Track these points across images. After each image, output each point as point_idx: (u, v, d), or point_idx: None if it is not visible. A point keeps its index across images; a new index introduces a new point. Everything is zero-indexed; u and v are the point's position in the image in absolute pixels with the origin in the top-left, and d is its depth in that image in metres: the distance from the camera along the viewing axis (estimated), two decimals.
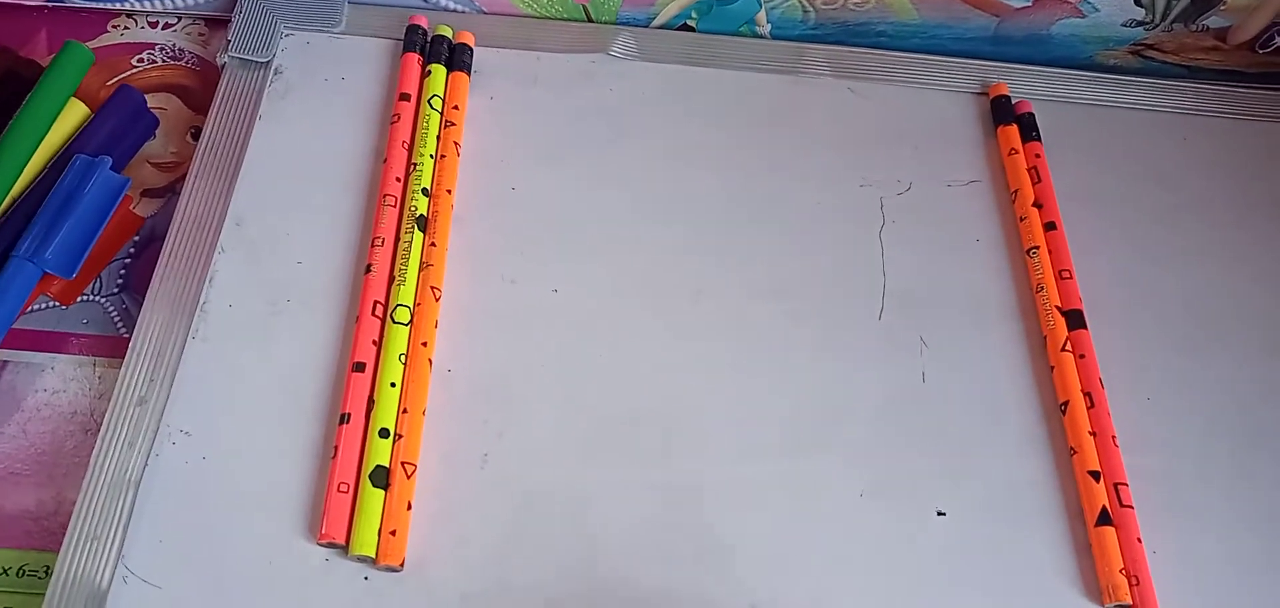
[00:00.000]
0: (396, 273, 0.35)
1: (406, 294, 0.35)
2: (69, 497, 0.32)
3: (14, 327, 0.35)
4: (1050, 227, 0.39)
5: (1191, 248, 0.40)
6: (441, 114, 0.39)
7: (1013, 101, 0.43)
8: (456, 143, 0.39)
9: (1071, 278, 0.38)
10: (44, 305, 0.36)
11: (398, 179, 0.37)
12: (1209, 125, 0.44)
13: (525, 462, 0.33)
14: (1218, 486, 0.35)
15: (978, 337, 0.37)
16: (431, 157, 0.38)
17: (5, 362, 0.35)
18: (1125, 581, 0.32)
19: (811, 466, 0.34)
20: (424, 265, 0.35)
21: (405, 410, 0.33)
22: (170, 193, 0.39)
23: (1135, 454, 0.35)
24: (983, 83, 0.44)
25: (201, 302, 0.34)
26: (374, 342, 0.34)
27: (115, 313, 0.36)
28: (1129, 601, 0.32)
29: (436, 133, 0.38)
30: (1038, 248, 0.39)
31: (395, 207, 0.37)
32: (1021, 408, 0.36)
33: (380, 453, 0.32)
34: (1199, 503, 0.34)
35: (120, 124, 0.38)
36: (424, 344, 0.34)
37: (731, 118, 0.42)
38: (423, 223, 0.36)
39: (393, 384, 0.33)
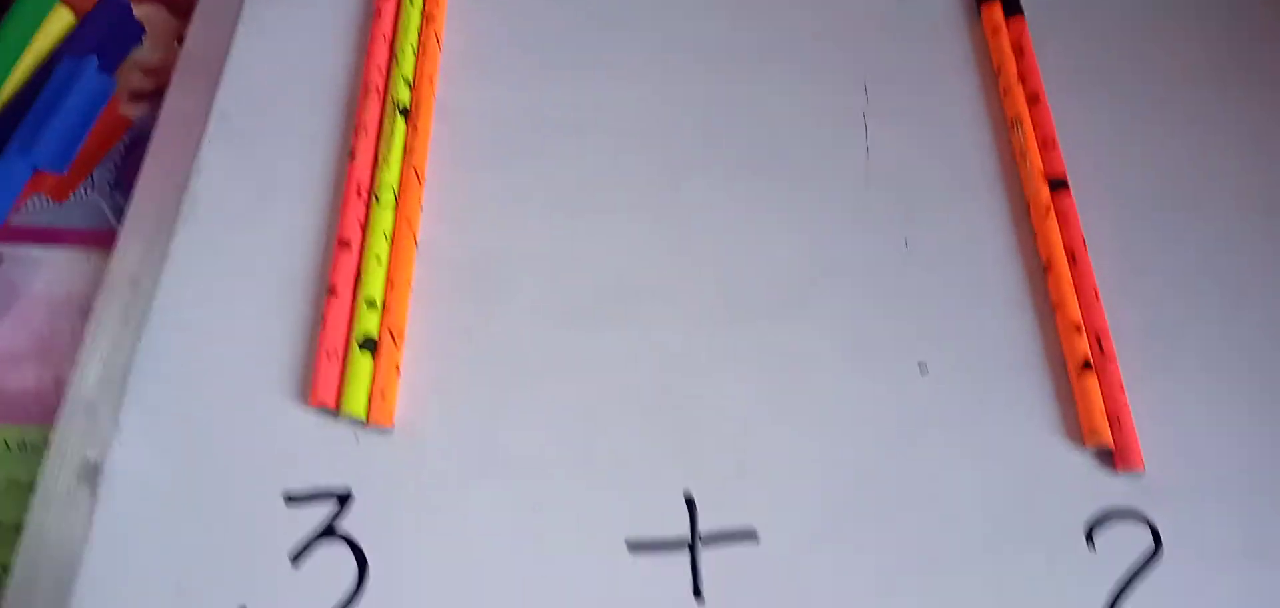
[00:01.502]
0: (380, 158, 0.36)
1: (390, 177, 0.35)
2: (67, 376, 0.33)
3: (10, 223, 0.36)
4: (1033, 99, 0.39)
5: (1178, 112, 0.40)
6: (422, 8, 0.40)
7: None
8: (438, 35, 0.39)
9: (1055, 146, 0.38)
10: (39, 203, 0.37)
11: (380, 70, 0.38)
12: None
13: (510, 331, 0.33)
14: (1201, 338, 0.35)
15: (960, 206, 0.38)
16: (412, 48, 0.38)
17: (3, 256, 0.35)
18: (1107, 424, 0.33)
19: (794, 329, 0.34)
20: (407, 150, 0.36)
21: (391, 284, 0.33)
22: (158, 95, 0.39)
23: (1119, 310, 0.35)
24: None
25: (191, 189, 0.35)
26: (359, 222, 0.34)
27: (108, 208, 0.37)
28: (1110, 443, 0.32)
29: (417, 25, 0.39)
30: (1021, 119, 0.39)
31: (378, 97, 0.37)
32: (1004, 270, 0.36)
33: (368, 322, 0.32)
34: (1181, 354, 0.35)
35: (106, 30, 0.39)
36: (408, 222, 0.34)
37: (716, 4, 0.42)
38: (405, 111, 0.37)
39: (378, 259, 0.33)
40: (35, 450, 0.31)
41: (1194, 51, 0.42)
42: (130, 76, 0.40)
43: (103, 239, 0.36)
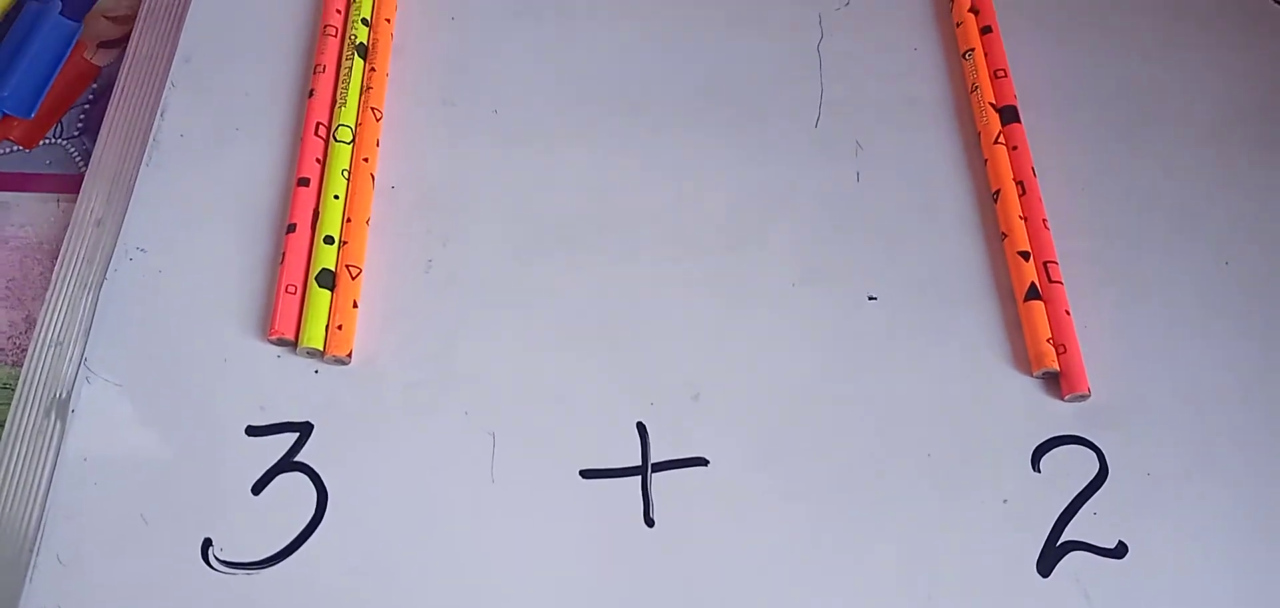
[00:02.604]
0: (338, 96, 0.36)
1: (348, 116, 0.36)
2: (37, 316, 0.34)
3: None
4: (986, 30, 0.40)
5: (1129, 43, 0.40)
6: None
7: None
8: None
9: (1006, 76, 0.39)
10: (9, 150, 0.37)
11: (338, 11, 0.38)
12: None
13: (469, 265, 0.34)
14: (1148, 264, 0.36)
15: (912, 137, 0.38)
16: None
17: None
18: (1053, 350, 0.33)
19: (746, 260, 0.35)
20: (365, 88, 0.36)
21: (349, 220, 0.34)
22: (125, 43, 0.40)
23: (1068, 238, 0.36)
24: None
25: (154, 131, 0.36)
26: (318, 160, 0.35)
27: (77, 154, 0.37)
28: (1056, 367, 0.33)
29: None
30: (973, 50, 0.39)
31: (336, 37, 0.38)
32: (954, 199, 0.37)
33: (326, 257, 0.33)
34: (1130, 280, 0.35)
35: None
36: (366, 160, 0.35)
37: None
38: (362, 50, 0.37)
39: (336, 196, 0.34)
40: (9, 389, 0.32)
41: None
42: (98, 25, 0.40)
43: (71, 184, 0.36)
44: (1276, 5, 0.42)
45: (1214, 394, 0.33)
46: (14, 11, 0.37)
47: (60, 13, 0.37)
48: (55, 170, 0.37)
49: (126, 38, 0.40)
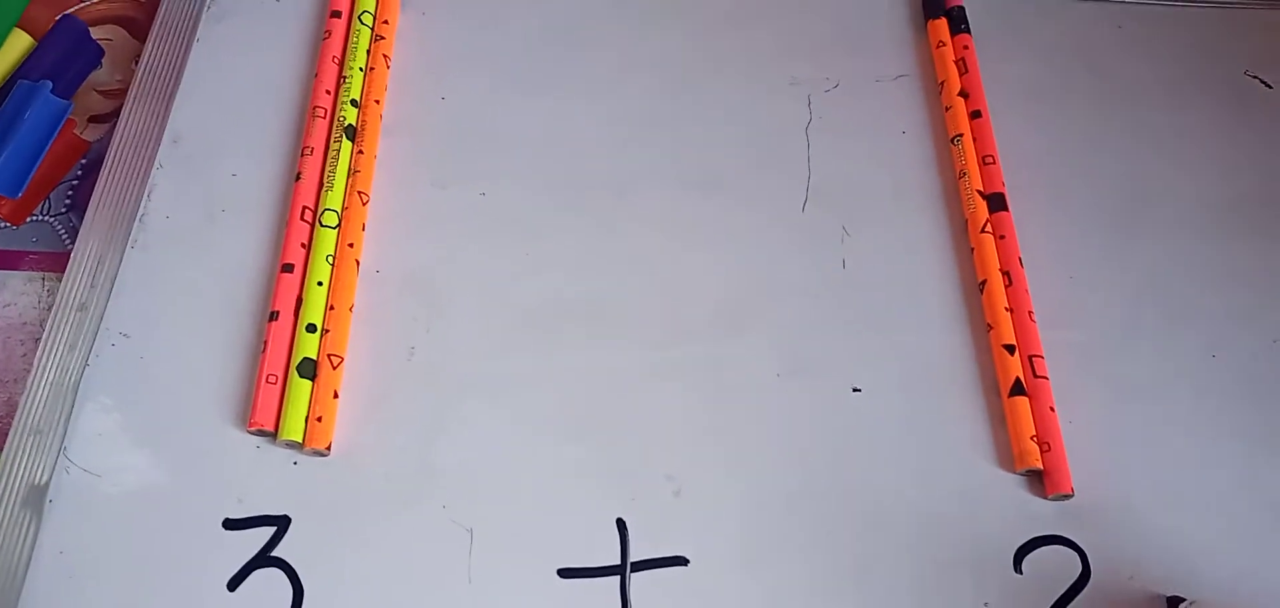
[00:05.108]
0: (325, 180, 0.36)
1: (334, 199, 0.36)
2: (18, 400, 0.34)
3: None
4: (975, 115, 0.40)
5: (1120, 131, 0.40)
6: (371, 29, 0.40)
7: None
8: (386, 56, 0.40)
9: (995, 163, 0.39)
10: None
11: (328, 92, 0.38)
12: (1143, 13, 0.44)
13: (451, 353, 0.34)
14: (1137, 359, 0.35)
15: (899, 223, 0.38)
16: (361, 69, 0.39)
17: None
18: (1037, 447, 0.33)
19: (730, 350, 0.35)
20: (352, 172, 0.37)
21: (332, 307, 0.34)
22: (116, 118, 0.40)
23: (1056, 329, 0.35)
24: None
25: (140, 213, 0.36)
26: (303, 245, 0.35)
27: (63, 232, 0.37)
28: (1040, 466, 0.33)
29: (366, 47, 0.39)
30: (962, 135, 0.39)
31: (325, 118, 0.38)
32: (940, 289, 0.37)
33: (307, 346, 0.33)
34: (1117, 375, 0.35)
35: (64, 53, 0.39)
36: (351, 245, 0.35)
37: (661, 25, 0.42)
38: (351, 132, 0.37)
39: (320, 283, 0.34)
40: None
41: (1137, 72, 0.42)
42: (89, 99, 0.41)
43: (58, 262, 0.37)
44: (1253, 79, 0.42)
45: (1200, 493, 0.33)
46: (5, 89, 0.38)
47: (51, 92, 0.37)
48: (41, 248, 0.37)
49: (117, 112, 0.40)
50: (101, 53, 0.41)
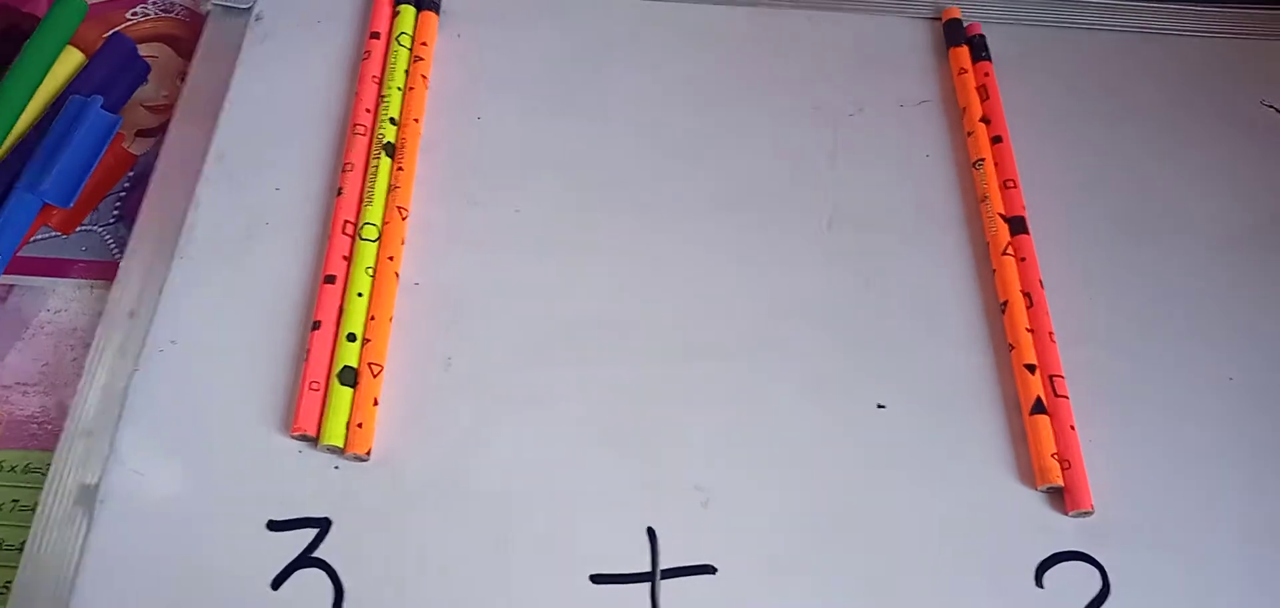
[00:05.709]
0: (365, 195, 0.37)
1: (374, 214, 0.37)
2: (69, 403, 0.35)
3: (20, 254, 0.38)
4: (997, 140, 0.41)
5: (1138, 157, 0.41)
6: (410, 50, 0.41)
7: (964, 24, 0.44)
8: (424, 76, 0.41)
9: (1016, 187, 0.39)
10: (47, 235, 0.39)
11: (367, 110, 0.39)
12: (1160, 43, 0.45)
13: (486, 364, 0.35)
14: (1156, 379, 0.36)
15: (921, 245, 0.39)
16: (399, 89, 0.40)
17: (12, 286, 0.38)
18: (1057, 465, 0.34)
19: (756, 365, 0.36)
20: (391, 188, 0.38)
21: (372, 317, 0.35)
22: (162, 132, 0.41)
23: (1075, 349, 0.36)
24: (936, 7, 0.45)
25: (187, 226, 0.37)
26: (344, 257, 0.36)
27: (112, 241, 0.39)
28: (1060, 483, 0.34)
29: (405, 67, 0.41)
30: (983, 160, 0.40)
31: (365, 135, 0.39)
32: (962, 310, 0.37)
33: (348, 355, 0.34)
34: (1136, 394, 0.36)
35: (113, 69, 0.41)
36: (391, 258, 0.36)
37: (691, 50, 0.44)
38: (391, 149, 0.39)
39: (360, 294, 0.35)
40: (39, 475, 0.33)
41: (1154, 100, 0.43)
42: (136, 114, 0.42)
43: (106, 270, 0.38)
44: (1269, 108, 0.43)
45: (1218, 511, 0.34)
46: (58, 104, 0.39)
47: (101, 107, 0.39)
48: (90, 257, 0.38)
49: (164, 127, 0.42)
50: (148, 69, 0.42)
